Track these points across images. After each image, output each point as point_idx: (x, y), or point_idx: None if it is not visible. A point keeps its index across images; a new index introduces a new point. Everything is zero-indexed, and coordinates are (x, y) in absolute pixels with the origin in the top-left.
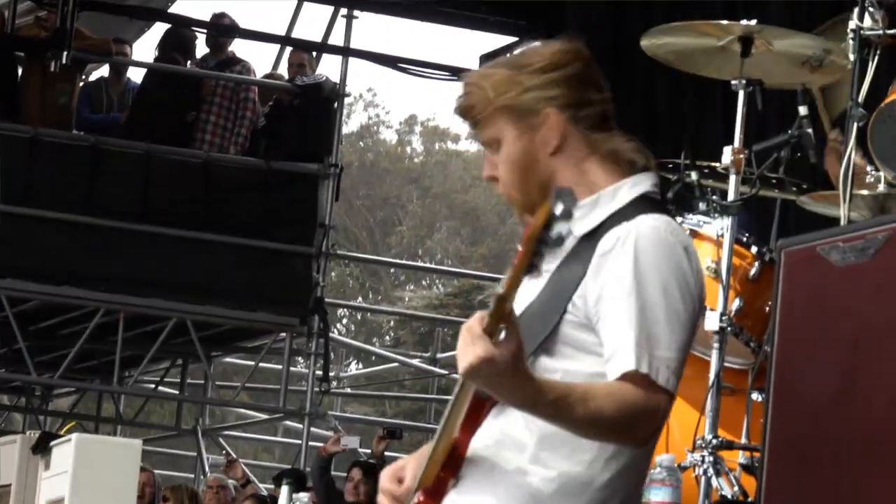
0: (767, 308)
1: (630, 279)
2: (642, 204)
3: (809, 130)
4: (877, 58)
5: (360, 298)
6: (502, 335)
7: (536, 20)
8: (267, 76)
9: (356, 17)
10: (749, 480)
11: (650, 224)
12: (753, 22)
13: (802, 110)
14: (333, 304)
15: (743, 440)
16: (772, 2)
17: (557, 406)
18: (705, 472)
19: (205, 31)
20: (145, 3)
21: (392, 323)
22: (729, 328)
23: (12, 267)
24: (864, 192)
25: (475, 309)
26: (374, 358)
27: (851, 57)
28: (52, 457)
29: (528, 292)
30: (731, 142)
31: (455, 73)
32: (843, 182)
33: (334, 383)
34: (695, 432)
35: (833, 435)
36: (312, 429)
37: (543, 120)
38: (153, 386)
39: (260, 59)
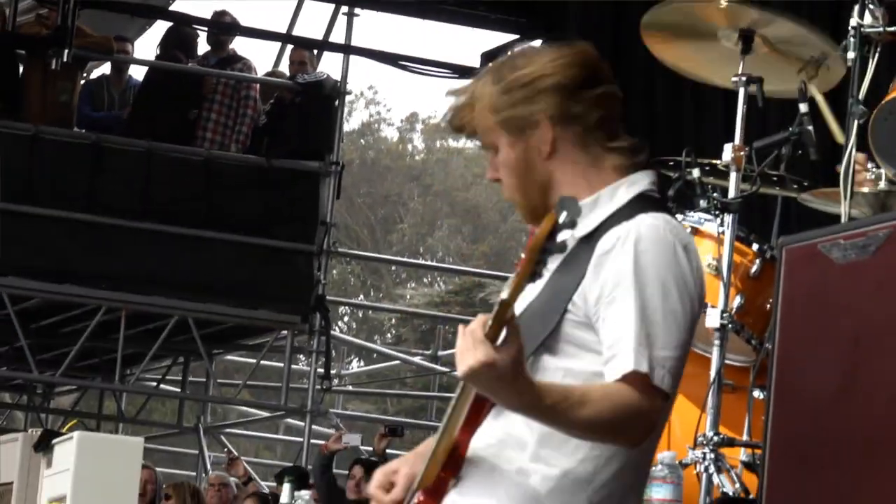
0: (768, 305)
1: (629, 279)
2: (641, 203)
3: (810, 127)
4: (877, 55)
5: (361, 296)
6: (502, 339)
7: (537, 18)
8: (268, 74)
9: (357, 15)
10: (750, 477)
11: (649, 223)
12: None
13: (803, 107)
14: (335, 302)
15: (744, 437)
16: (772, 2)
17: (556, 410)
18: (707, 469)
19: (206, 28)
20: (146, 0)
21: (393, 320)
22: (730, 325)
23: (14, 265)
24: (865, 189)
25: (476, 306)
26: (375, 356)
27: (851, 54)
28: (54, 455)
29: (528, 292)
30: (731, 139)
31: (456, 70)
32: (844, 179)
33: (336, 381)
34: (696, 429)
35: (834, 432)
36: (314, 426)
37: (535, 127)
38: (155, 384)
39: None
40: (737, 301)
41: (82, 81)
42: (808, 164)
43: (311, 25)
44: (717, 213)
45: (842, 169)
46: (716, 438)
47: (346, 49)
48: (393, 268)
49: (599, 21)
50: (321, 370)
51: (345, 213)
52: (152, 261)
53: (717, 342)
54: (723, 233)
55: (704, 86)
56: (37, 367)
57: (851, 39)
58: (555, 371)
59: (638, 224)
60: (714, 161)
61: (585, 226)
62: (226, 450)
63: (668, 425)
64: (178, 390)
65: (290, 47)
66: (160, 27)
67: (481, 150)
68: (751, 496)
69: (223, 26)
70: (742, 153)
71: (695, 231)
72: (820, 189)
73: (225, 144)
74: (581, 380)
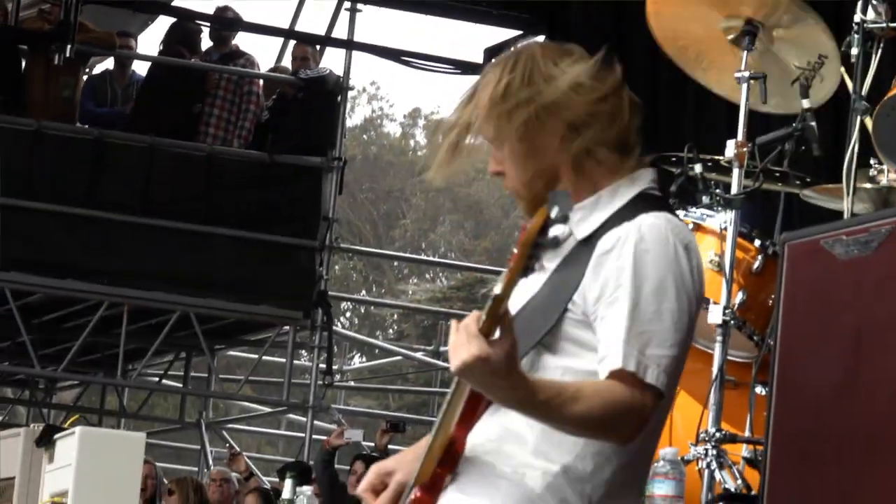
0: (771, 301)
1: (628, 279)
2: (642, 202)
3: (813, 123)
4: (880, 51)
5: (363, 292)
6: (496, 335)
7: (540, 14)
8: (271, 70)
9: (360, 11)
10: (752, 474)
11: (650, 223)
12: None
13: (805, 103)
14: (337, 298)
15: (746, 433)
16: None
17: (549, 406)
18: (708, 465)
19: (208, 24)
20: None
21: (395, 316)
22: (732, 321)
23: (16, 260)
24: (868, 185)
25: (478, 302)
26: (377, 351)
27: (855, 50)
28: (56, 450)
29: (528, 289)
30: (734, 135)
31: (459, 66)
32: (847, 175)
33: (338, 376)
34: (698, 426)
35: (836, 428)
36: (316, 422)
37: (545, 121)
38: (157, 379)
39: (263, 53)
40: (739, 297)
41: (85, 77)
42: (811, 160)
43: (314, 21)
44: (719, 209)
45: (845, 164)
46: (718, 435)
47: (349, 45)
48: (395, 263)
49: (601, 15)
50: (323, 366)
51: (347, 209)
52: (155, 256)
53: (719, 338)
54: (725, 229)
55: None
56: (39, 362)
57: (855, 35)
58: (554, 369)
59: (639, 224)
60: (717, 157)
61: (587, 227)
62: (227, 445)
63: (670, 421)
64: (180, 386)
65: (292, 43)
66: (163, 22)
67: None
68: (753, 492)
69: (226, 22)
70: (745, 149)
71: (697, 227)
72: (822, 185)
73: (227, 140)
74: (580, 378)
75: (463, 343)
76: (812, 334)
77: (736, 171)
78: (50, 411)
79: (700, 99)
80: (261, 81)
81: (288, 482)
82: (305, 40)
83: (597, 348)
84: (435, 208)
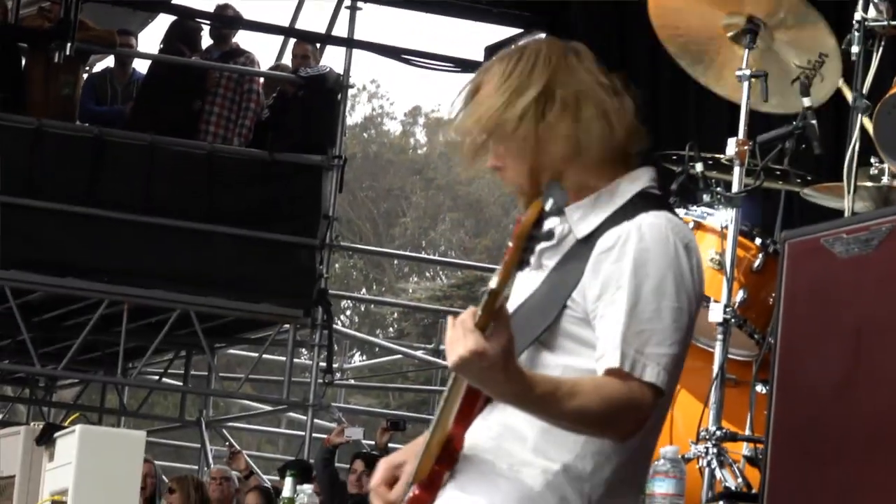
0: (771, 300)
1: (627, 278)
2: (642, 201)
3: (814, 122)
4: (881, 49)
5: (363, 290)
6: (492, 329)
7: (540, 12)
8: (271, 68)
9: (360, 9)
10: (753, 472)
11: (650, 222)
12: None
13: (806, 101)
14: (337, 296)
15: (747, 432)
16: None
17: (545, 401)
18: (709, 463)
19: (208, 22)
20: None
21: (395, 314)
22: (733, 320)
23: (16, 258)
24: (869, 183)
25: (478, 301)
26: (377, 349)
27: (856, 48)
28: (56, 448)
29: (527, 286)
30: (735, 133)
31: (459, 64)
32: (848, 173)
33: (338, 375)
34: (698, 424)
35: (837, 426)
36: (316, 420)
37: (544, 121)
38: (157, 377)
39: (264, 51)
40: (739, 295)
41: (85, 75)
42: (812, 159)
43: (314, 19)
44: (720, 207)
45: (846, 163)
46: (718, 433)
47: (349, 43)
48: (395, 262)
49: (602, 14)
50: (323, 364)
51: (347, 207)
52: (155, 254)
53: (719, 337)
54: (726, 227)
55: None
56: (39, 360)
57: (856, 33)
58: (554, 368)
59: (639, 223)
60: (718, 155)
61: (587, 226)
62: (227, 443)
63: (670, 420)
64: (181, 384)
65: (292, 41)
66: (163, 21)
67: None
68: (753, 491)
69: (226, 20)
70: (746, 147)
71: (698, 225)
72: (823, 183)
73: (228, 138)
74: (579, 376)
75: (459, 338)
76: (812, 332)
77: (737, 170)
78: (50, 409)
79: (701, 97)
80: (261, 79)
81: (288, 480)
82: (306, 38)
83: (596, 346)
84: (435, 206)
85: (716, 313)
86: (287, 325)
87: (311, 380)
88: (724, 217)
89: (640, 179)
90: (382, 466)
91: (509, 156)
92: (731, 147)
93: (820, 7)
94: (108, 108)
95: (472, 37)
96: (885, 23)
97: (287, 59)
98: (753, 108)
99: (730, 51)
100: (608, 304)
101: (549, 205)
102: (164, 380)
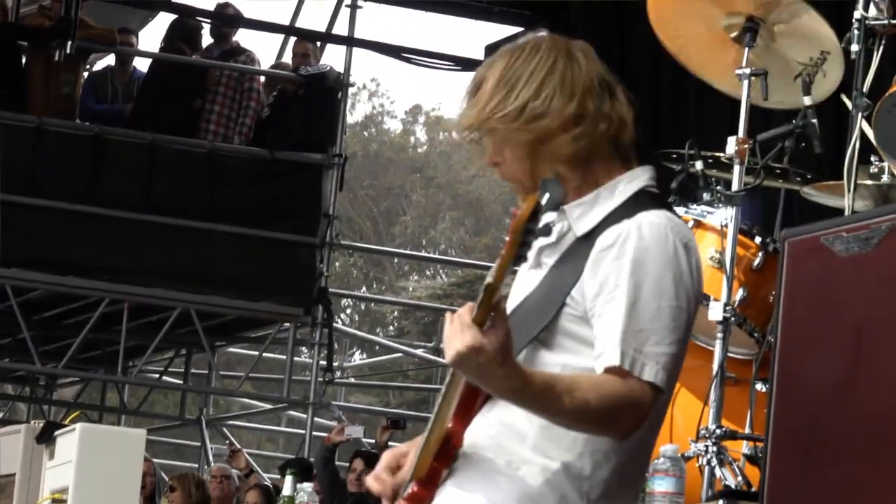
0: (771, 298)
1: (626, 277)
2: (642, 200)
3: (814, 120)
4: (881, 47)
5: (363, 288)
6: (489, 324)
7: (541, 10)
8: (272, 66)
9: (360, 7)
10: (753, 470)
11: (650, 221)
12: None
13: (807, 100)
14: (337, 294)
15: (746, 430)
16: None
17: (543, 397)
18: (709, 462)
19: (209, 20)
20: None
21: (396, 313)
22: (733, 318)
23: (16, 256)
24: (869, 182)
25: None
26: (377, 348)
27: (856, 47)
28: (57, 446)
29: (526, 284)
30: (735, 132)
31: (459, 63)
32: (848, 172)
33: (338, 373)
34: (698, 422)
35: (836, 425)
36: (316, 419)
37: (544, 119)
38: (157, 376)
39: (264, 49)
40: (739, 294)
41: (86, 73)
42: (812, 157)
43: (315, 17)
44: (720, 205)
45: (846, 161)
46: (718, 431)
47: (350, 41)
48: (395, 260)
49: (602, 13)
50: (323, 362)
51: (347, 206)
52: (155, 253)
53: (719, 335)
54: (726, 225)
55: None
56: (39, 358)
57: (856, 32)
58: (553, 366)
59: (639, 222)
60: (718, 154)
61: (586, 224)
62: (228, 442)
63: (670, 418)
64: (181, 382)
65: (293, 39)
66: (163, 19)
67: (484, 143)
68: (753, 489)
69: (227, 18)
70: (746, 146)
71: (698, 224)
72: (823, 182)
73: (228, 137)
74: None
75: (457, 333)
76: (812, 331)
77: (737, 168)
78: (50, 408)
79: (701, 96)
80: (261, 78)
81: (288, 479)
82: (306, 37)
83: (594, 344)
84: (435, 205)
85: (716, 312)
86: (287, 324)
87: (312, 378)
88: (723, 215)
89: (639, 178)
90: (387, 454)
91: (509, 152)
92: (731, 145)
93: (820, 5)
94: (109, 106)
95: (473, 35)
96: (886, 21)
97: (287, 58)
98: (756, 104)
99: (731, 49)
100: (607, 303)
101: (545, 199)
102: (165, 378)
